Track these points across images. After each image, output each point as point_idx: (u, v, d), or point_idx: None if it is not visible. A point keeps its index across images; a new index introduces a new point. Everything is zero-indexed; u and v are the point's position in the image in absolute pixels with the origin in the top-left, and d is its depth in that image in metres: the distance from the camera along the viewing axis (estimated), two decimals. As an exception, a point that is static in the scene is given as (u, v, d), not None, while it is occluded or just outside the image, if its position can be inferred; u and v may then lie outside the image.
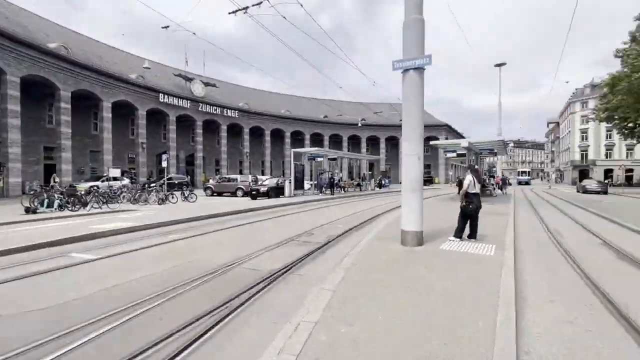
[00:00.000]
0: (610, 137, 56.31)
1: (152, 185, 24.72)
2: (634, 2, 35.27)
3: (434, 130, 55.34)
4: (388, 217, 11.89)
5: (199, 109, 36.60)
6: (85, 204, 14.13)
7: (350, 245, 7.11)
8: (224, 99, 40.71)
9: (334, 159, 23.40)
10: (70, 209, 13.68)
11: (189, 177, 32.38)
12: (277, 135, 47.33)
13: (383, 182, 34.98)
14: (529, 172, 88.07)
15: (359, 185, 29.08)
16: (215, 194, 25.13)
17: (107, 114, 27.39)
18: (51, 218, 11.72)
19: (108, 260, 6.04)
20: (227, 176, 26.47)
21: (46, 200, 13.33)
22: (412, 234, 6.29)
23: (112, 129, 28.07)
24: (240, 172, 42.73)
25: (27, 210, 12.49)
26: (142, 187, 19.22)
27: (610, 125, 42.43)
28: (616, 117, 37.83)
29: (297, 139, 49.48)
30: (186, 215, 11.42)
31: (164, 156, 19.64)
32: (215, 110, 38.25)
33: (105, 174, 23.78)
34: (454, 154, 16.83)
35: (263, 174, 42.50)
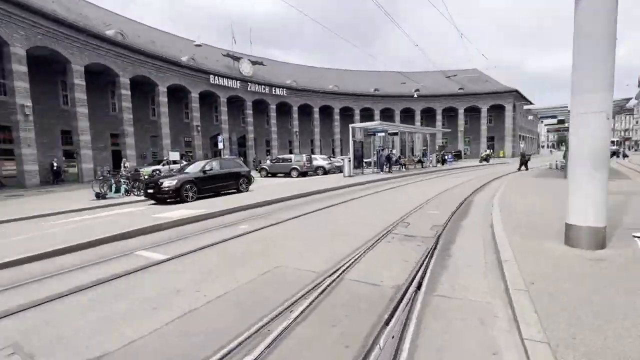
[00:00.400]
0: None
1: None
2: None
3: (498, 98, 49.24)
4: (486, 199, 9.71)
5: (248, 88, 35.92)
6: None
7: (475, 241, 5.28)
8: (271, 77, 39.59)
9: (395, 134, 21.12)
10: (136, 193, 13.51)
11: (242, 158, 32.27)
12: (325, 112, 45.48)
13: (446, 157, 31.72)
14: (616, 141, 77.22)
15: (420, 161, 26.46)
16: (269, 175, 24.46)
17: (163, 98, 27.70)
18: (118, 204, 11.42)
19: (178, 262, 4.94)
20: (281, 156, 25.57)
21: (114, 186, 13.25)
22: (589, 232, 4.26)
23: (168, 114, 28.47)
24: (290, 152, 42.05)
25: (98, 196, 12.44)
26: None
27: None
28: None
29: (346, 115, 47.17)
30: (251, 201, 10.37)
31: (220, 137, 19.07)
32: (264, 89, 37.32)
33: (165, 158, 24.16)
34: (554, 121, 13.65)
35: (313, 153, 41.35)
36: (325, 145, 46.22)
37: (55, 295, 3.74)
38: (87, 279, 4.24)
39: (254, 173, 18.83)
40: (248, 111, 36.65)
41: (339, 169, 26.82)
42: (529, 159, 21.79)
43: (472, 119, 50.89)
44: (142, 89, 27.96)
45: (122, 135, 24.87)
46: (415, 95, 46.30)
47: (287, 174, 23.42)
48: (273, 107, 38.84)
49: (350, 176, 18.76)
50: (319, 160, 25.72)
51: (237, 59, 35.97)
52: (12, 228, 7.81)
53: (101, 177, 14.55)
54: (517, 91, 50.16)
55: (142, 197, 12.36)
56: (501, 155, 50.68)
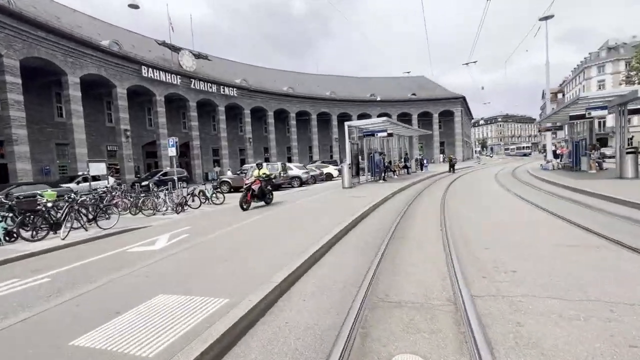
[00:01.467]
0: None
1: (144, 184, 18.52)
2: None
3: (448, 104, 50.54)
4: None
5: (191, 86, 29.72)
6: (57, 226, 7.98)
7: None
8: (217, 75, 33.81)
9: (390, 135, 17.90)
10: (29, 236, 7.56)
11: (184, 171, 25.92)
12: (281, 117, 41.04)
13: (424, 162, 29.81)
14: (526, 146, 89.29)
15: (405, 167, 23.82)
16: (232, 190, 19.24)
17: (74, 92, 20.33)
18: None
19: None
20: (249, 166, 20.45)
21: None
22: None
23: (85, 114, 21.14)
24: (243, 162, 36.48)
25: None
26: (145, 189, 13.13)
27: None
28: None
29: (302, 120, 43.44)
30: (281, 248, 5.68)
31: (171, 141, 13.45)
32: (211, 87, 31.40)
33: (82, 173, 17.22)
34: (604, 112, 11.77)
35: (268, 161, 36.38)
36: (280, 153, 41.52)
37: None
38: None
39: (208, 188, 13.71)
40: (192, 113, 30.32)
41: (315, 179, 22.76)
42: (455, 162, 27.02)
43: (424, 124, 51.29)
44: (43, 78, 20.30)
45: (9, 142, 17.13)
46: (378, 98, 44.81)
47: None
48: (222, 109, 33.03)
49: (351, 187, 14.80)
50: (294, 169, 21.27)
51: (176, 49, 29.56)
52: None
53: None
54: (464, 98, 52.13)
55: (45, 243, 6.64)
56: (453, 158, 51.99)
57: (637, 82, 39.60)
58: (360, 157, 17.52)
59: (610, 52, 55.68)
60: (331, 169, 26.36)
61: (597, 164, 15.68)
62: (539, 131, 52.97)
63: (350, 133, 15.89)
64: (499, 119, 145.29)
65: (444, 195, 11.21)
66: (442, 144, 52.98)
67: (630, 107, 13.33)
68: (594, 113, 11.89)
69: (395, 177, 21.02)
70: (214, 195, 13.33)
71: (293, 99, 41.21)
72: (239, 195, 11.26)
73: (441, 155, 50.66)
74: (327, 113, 44.32)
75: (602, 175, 14.13)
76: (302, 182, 21.02)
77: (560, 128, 23.07)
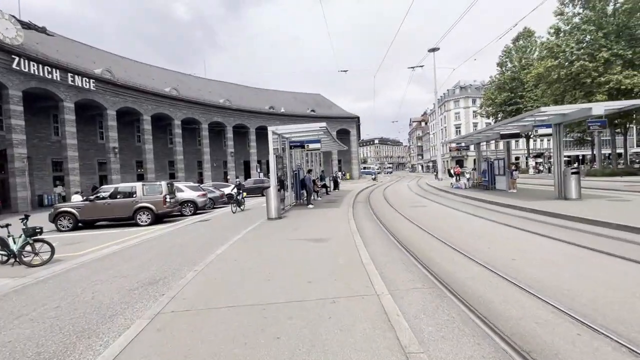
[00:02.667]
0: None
1: None
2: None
3: (345, 123, 51.66)
4: None
5: (14, 65, 19.83)
6: None
7: None
8: (67, 60, 24.20)
9: (318, 148, 14.32)
10: None
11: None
12: (159, 124, 33.02)
13: (338, 179, 27.55)
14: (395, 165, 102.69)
15: (324, 186, 20.81)
16: (80, 225, 12.33)
17: None
18: None
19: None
20: (112, 186, 13.36)
21: None
22: None
23: None
24: (102, 181, 27.08)
25: None
26: None
27: (490, 119, 48.44)
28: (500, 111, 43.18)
29: (189, 129, 36.35)
30: None
31: None
32: (51, 72, 21.86)
33: None
34: (549, 130, 11.25)
35: (174, 177, 27.87)
36: (161, 169, 33.10)
37: None
38: None
39: (37, 220, 7.44)
40: (13, 107, 20.21)
41: (214, 202, 17.36)
42: (340, 180, 27.90)
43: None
44: None
45: None
46: (282, 110, 41.60)
47: (126, 221, 12.22)
48: (70, 105, 23.51)
49: (279, 217, 10.46)
50: (187, 190, 15.46)
51: (-16, 8, 19.29)
52: None
53: None
54: (358, 118, 54.28)
55: None
56: (347, 177, 53.00)
57: (484, 115, 48.88)
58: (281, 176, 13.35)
59: (462, 90, 68.47)
60: (229, 190, 21.17)
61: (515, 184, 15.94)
62: (450, 150, 60.99)
63: (276, 143, 11.65)
64: (376, 141, 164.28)
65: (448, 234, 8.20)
66: (339, 161, 53.58)
67: (504, 132, 13.93)
68: (540, 131, 11.31)
69: (319, 198, 17.68)
70: (28, 247, 6.86)
71: (178, 103, 33.83)
72: (89, 234, 5.53)
73: (340, 172, 50.89)
74: (221, 123, 38.37)
75: (533, 195, 14.02)
76: (198, 209, 15.34)
77: (468, 148, 24.41)
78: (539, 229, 7.54)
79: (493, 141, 30.11)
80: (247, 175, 40.90)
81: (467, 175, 22.49)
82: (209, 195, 16.80)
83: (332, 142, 18.51)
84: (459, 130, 66.88)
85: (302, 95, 55.53)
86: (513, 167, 15.88)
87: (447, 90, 71.12)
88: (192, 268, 5.61)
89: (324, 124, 11.29)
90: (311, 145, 12.45)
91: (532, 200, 11.69)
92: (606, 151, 42.75)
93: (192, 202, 15.06)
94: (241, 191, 14.95)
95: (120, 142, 27.51)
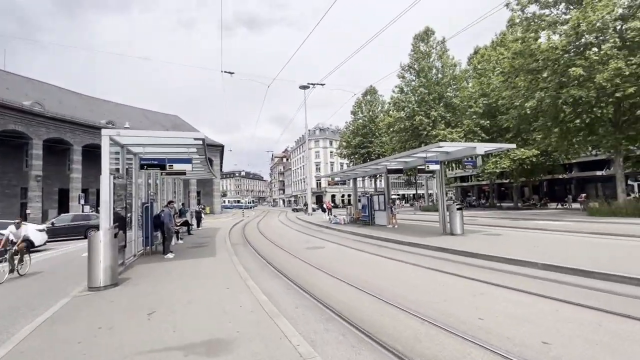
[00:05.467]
0: (332, 169, 72.77)
1: None
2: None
3: (209, 151, 46.21)
4: None
5: None
6: None
7: None
8: None
9: (184, 172, 10.08)
10: None
11: None
12: None
13: (202, 215, 22.27)
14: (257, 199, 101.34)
15: (186, 223, 15.87)
16: None
17: None
18: None
19: None
20: None
21: None
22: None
23: None
24: None
25: None
26: None
27: (346, 160, 53.97)
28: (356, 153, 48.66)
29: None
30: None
31: None
32: None
33: None
34: (437, 167, 11.32)
35: None
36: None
37: None
38: None
39: None
40: None
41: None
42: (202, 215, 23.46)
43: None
44: None
45: None
46: (127, 125, 32.57)
47: None
48: None
49: (114, 285, 5.97)
50: None
51: None
52: None
53: None
54: (223, 147, 49.94)
55: None
56: (207, 211, 46.93)
57: (341, 155, 54.18)
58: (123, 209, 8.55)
59: (321, 131, 74.80)
60: (30, 230, 13.51)
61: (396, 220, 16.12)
62: (329, 184, 62.22)
63: (110, 158, 7.16)
64: (236, 174, 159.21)
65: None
66: (198, 193, 46.98)
67: (390, 167, 14.72)
68: (431, 167, 11.39)
69: (180, 240, 13.02)
70: None
71: None
72: None
73: (199, 205, 44.31)
74: (23, 135, 26.83)
75: (420, 230, 14.09)
76: None
77: (345, 183, 24.38)
78: (465, 270, 6.41)
79: (360, 178, 32.09)
80: (64, 209, 29.59)
81: (346, 211, 22.32)
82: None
83: (202, 166, 14.41)
84: (319, 168, 71.75)
85: (156, 114, 47.28)
86: (391, 203, 16.16)
87: (309, 129, 76.15)
88: None
89: (201, 134, 7.67)
90: (177, 166, 8.43)
91: (428, 237, 11.37)
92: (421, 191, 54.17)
93: None
94: (18, 238, 8.32)
95: None
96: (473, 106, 29.61)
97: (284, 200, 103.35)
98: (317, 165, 72.66)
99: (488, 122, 29.28)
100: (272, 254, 10.27)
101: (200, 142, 8.15)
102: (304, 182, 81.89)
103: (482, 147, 10.60)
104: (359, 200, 19.98)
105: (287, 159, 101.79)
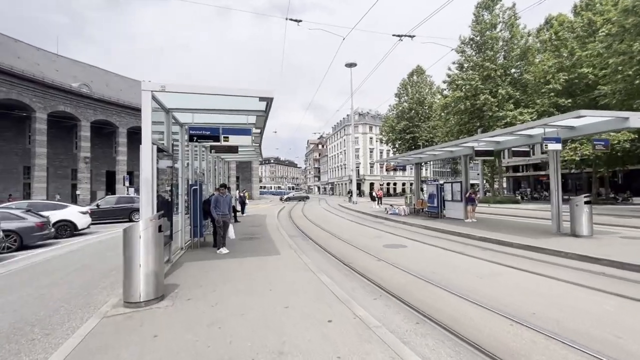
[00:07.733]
0: (372, 156, 69.58)
1: None
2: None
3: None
4: None
5: None
6: None
7: None
8: None
9: (243, 146, 8.41)
10: None
11: None
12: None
13: (245, 201, 21.03)
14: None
15: (233, 209, 14.40)
16: None
17: None
18: None
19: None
20: None
21: None
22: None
23: None
24: None
25: None
26: None
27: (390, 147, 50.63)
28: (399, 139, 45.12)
29: (17, 119, 24.09)
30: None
31: None
32: None
33: None
34: (559, 146, 8.59)
35: None
36: None
37: None
38: None
39: None
40: None
41: (21, 239, 9.25)
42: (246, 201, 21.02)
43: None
44: None
45: None
46: None
47: None
48: None
49: (157, 298, 4.18)
50: None
51: None
52: None
53: None
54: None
55: None
56: (248, 197, 46.36)
57: (385, 141, 50.87)
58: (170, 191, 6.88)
59: (360, 117, 71.47)
60: (73, 212, 12.64)
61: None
62: (387, 170, 59.59)
63: (153, 124, 5.37)
64: (271, 160, 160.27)
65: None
66: (237, 178, 46.49)
67: (478, 149, 11.72)
68: (550, 146, 8.58)
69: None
70: None
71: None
72: None
73: (237, 191, 43.81)
74: (72, 116, 26.96)
75: (509, 227, 11.37)
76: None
77: (404, 169, 21.91)
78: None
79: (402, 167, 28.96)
80: (111, 191, 29.89)
81: (405, 200, 19.79)
82: (3, 226, 8.48)
83: (253, 144, 12.54)
84: (357, 155, 68.86)
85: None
86: (472, 193, 13.36)
87: (347, 115, 73.25)
88: None
89: (270, 89, 5.59)
90: (233, 139, 6.55)
91: (542, 238, 8.71)
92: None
93: None
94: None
95: None
96: (551, 82, 25.28)
97: (319, 188, 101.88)
98: (356, 152, 69.75)
99: (570, 100, 24.89)
100: (344, 252, 8.20)
101: (264, 105, 6.11)
102: (342, 168, 79.48)
103: (638, 118, 7.60)
104: (422, 190, 17.36)
105: (323, 146, 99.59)
